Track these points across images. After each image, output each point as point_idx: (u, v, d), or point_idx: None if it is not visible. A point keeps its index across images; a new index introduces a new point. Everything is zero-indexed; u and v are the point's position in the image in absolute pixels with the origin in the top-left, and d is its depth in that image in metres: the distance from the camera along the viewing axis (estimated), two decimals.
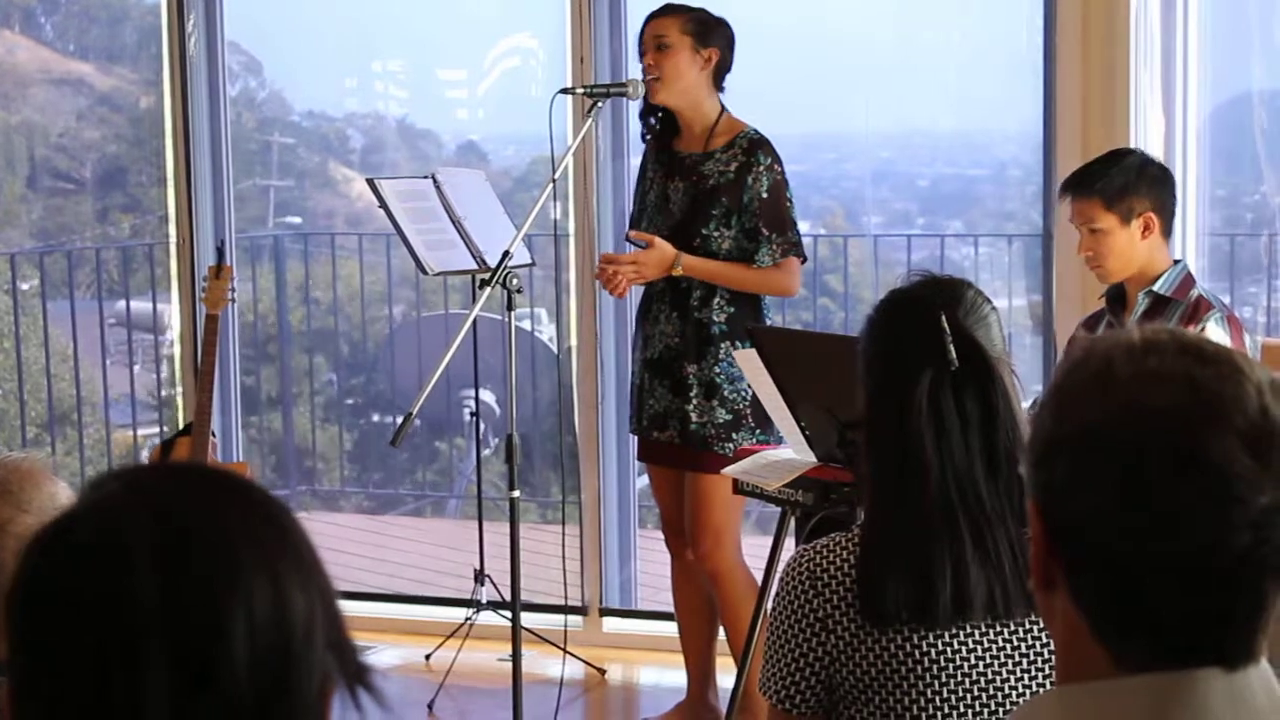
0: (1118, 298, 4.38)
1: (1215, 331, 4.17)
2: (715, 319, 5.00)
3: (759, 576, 4.66)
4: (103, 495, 1.31)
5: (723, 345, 4.99)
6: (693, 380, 5.02)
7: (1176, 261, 4.37)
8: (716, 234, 4.99)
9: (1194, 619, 1.42)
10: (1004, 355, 2.55)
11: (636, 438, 5.34)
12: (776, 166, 4.98)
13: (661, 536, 5.35)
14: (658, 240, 5.00)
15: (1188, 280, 4.31)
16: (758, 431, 4.97)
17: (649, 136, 5.18)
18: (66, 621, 1.26)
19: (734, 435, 4.98)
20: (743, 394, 4.96)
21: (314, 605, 1.30)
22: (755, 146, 4.99)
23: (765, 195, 4.96)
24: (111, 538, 1.27)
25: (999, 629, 2.49)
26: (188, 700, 1.24)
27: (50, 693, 1.25)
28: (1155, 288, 4.28)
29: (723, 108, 5.09)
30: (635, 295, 6.15)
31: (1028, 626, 2.49)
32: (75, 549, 1.28)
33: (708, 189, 5.01)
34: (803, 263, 5.05)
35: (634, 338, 5.28)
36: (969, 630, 2.47)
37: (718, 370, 5.00)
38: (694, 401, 5.02)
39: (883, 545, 2.46)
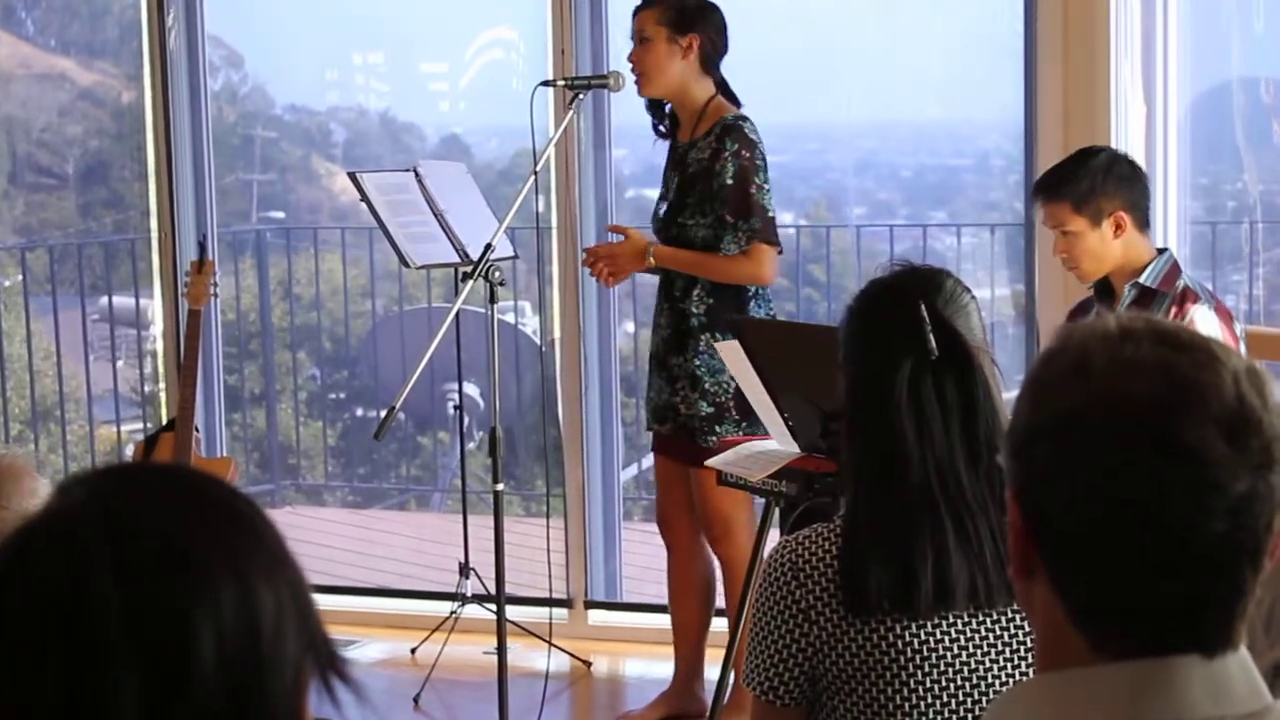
0: (1105, 289, 4.38)
1: (1206, 318, 4.17)
2: (694, 310, 5.01)
3: None
4: (63, 507, 1.29)
5: (702, 337, 4.99)
6: (679, 372, 5.03)
7: (1161, 251, 4.36)
8: (692, 222, 5.00)
9: (1172, 606, 1.42)
10: (984, 344, 2.56)
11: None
12: (744, 152, 4.93)
13: (644, 529, 5.36)
14: (631, 231, 5.07)
15: (1173, 271, 4.30)
16: (742, 424, 4.97)
17: (659, 128, 5.20)
18: (28, 641, 1.24)
19: (716, 428, 4.98)
20: (724, 386, 4.95)
21: (283, 601, 1.29)
22: (726, 132, 4.97)
23: (730, 182, 4.94)
24: (70, 554, 1.25)
25: (981, 618, 2.49)
26: (158, 712, 1.24)
27: (17, 710, 1.24)
28: (1141, 280, 4.28)
29: (716, 93, 5.07)
30: (623, 288, 6.17)
31: (1010, 615, 2.50)
32: (34, 566, 1.26)
33: (688, 177, 5.03)
34: (779, 252, 5.02)
35: None
36: (951, 620, 2.47)
37: (698, 363, 5.00)
38: (681, 394, 5.03)
39: (864, 535, 2.46)
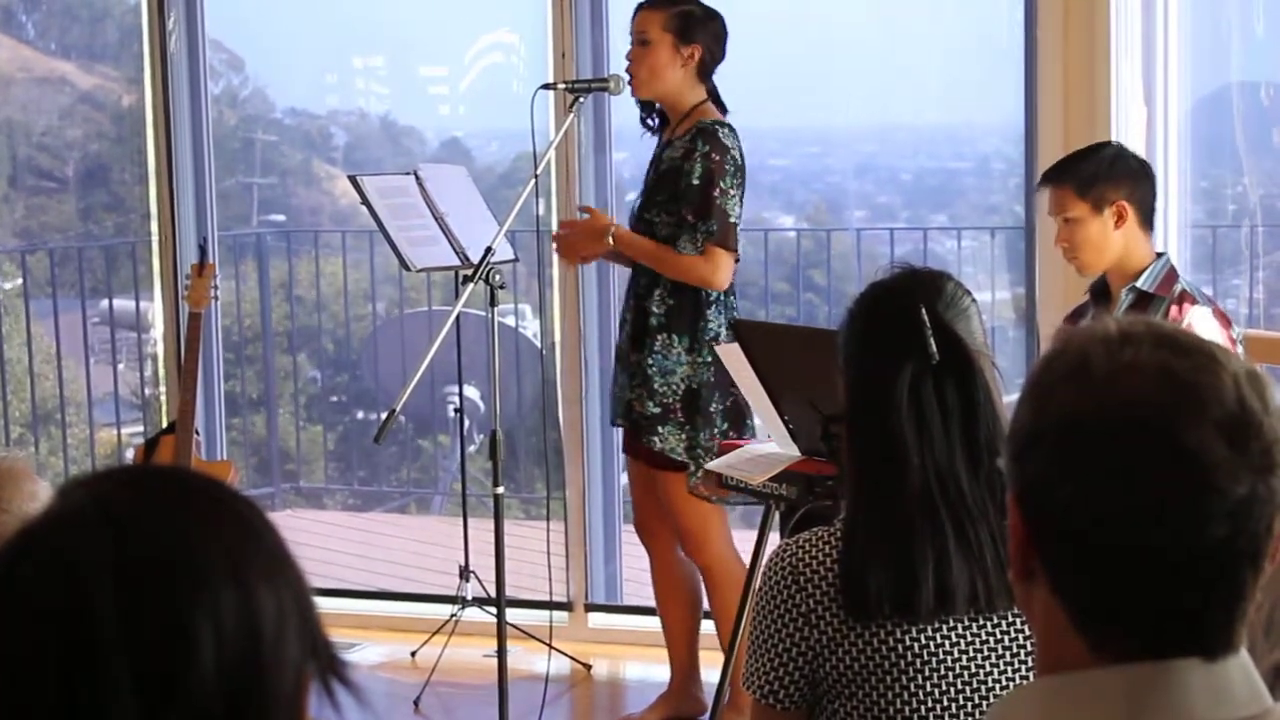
0: (1102, 292, 4.37)
1: (1204, 320, 4.17)
2: (654, 309, 5.01)
3: None
4: (63, 510, 1.29)
5: (658, 337, 4.99)
6: (636, 370, 5.04)
7: (1159, 255, 4.36)
8: (658, 219, 5.01)
9: (1173, 609, 1.42)
10: (984, 348, 2.55)
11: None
12: (715, 155, 4.91)
13: None
14: (596, 211, 5.15)
15: (1171, 275, 4.30)
16: (686, 426, 4.96)
17: (648, 121, 5.20)
18: (28, 643, 1.24)
19: (659, 428, 4.98)
20: (673, 389, 4.96)
21: (284, 605, 1.29)
22: (701, 134, 4.95)
23: (695, 182, 4.93)
24: (69, 558, 1.25)
25: (982, 622, 2.49)
26: (157, 715, 1.24)
27: (14, 712, 1.24)
28: (1139, 284, 4.28)
29: (707, 97, 5.07)
30: (622, 290, 6.16)
31: (1010, 619, 2.50)
32: (34, 569, 1.26)
33: (660, 174, 5.04)
34: (736, 259, 4.98)
35: None
36: (951, 624, 2.47)
37: (650, 362, 5.00)
38: (636, 392, 5.04)
39: (864, 539, 2.46)
